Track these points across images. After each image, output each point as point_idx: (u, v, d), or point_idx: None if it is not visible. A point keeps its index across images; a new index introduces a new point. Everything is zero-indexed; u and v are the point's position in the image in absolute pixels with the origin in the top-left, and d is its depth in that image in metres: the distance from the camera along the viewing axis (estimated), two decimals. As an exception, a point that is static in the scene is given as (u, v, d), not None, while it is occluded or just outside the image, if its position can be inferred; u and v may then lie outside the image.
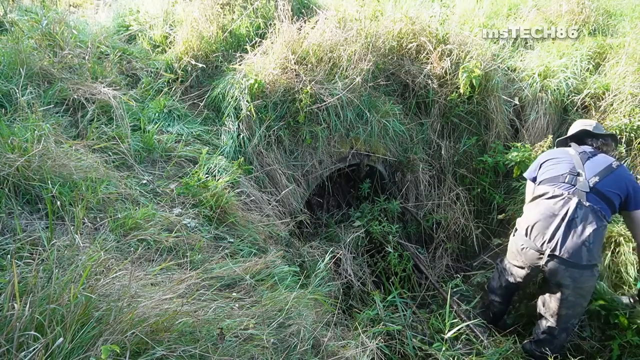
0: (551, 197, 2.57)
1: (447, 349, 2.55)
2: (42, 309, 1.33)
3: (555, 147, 3.02)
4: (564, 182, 2.59)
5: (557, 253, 2.43)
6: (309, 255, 3.10)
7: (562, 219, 2.47)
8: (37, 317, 1.31)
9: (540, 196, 2.64)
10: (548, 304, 2.65)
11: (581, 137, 2.88)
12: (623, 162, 3.79)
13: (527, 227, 2.60)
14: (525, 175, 2.94)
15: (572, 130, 2.96)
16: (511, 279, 2.81)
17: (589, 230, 2.41)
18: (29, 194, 1.99)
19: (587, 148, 2.77)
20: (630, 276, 2.95)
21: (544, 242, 2.49)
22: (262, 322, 1.83)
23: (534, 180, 2.82)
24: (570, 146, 2.85)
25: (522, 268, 2.70)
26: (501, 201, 4.09)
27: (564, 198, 2.52)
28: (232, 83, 3.40)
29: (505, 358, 2.74)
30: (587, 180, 2.53)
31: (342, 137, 3.74)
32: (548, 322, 2.67)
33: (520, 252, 2.65)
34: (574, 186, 2.54)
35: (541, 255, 2.51)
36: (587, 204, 2.46)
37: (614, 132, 3.13)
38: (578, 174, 2.59)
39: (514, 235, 2.75)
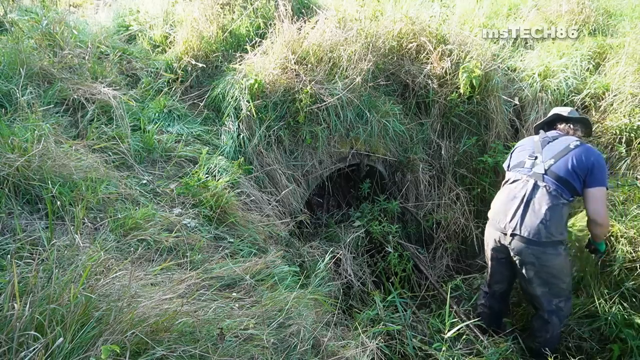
0: (512, 181, 2.77)
1: (447, 349, 2.54)
2: (42, 309, 1.33)
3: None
4: (523, 167, 2.76)
5: (517, 232, 2.61)
6: (309, 255, 3.10)
7: (521, 200, 2.64)
8: (37, 317, 1.31)
9: (505, 182, 2.86)
10: (526, 290, 2.80)
11: (553, 122, 2.99)
12: (622, 162, 3.79)
13: (493, 212, 2.83)
14: (503, 166, 3.08)
15: (547, 117, 3.07)
16: (490, 269, 2.97)
17: (544, 208, 2.55)
18: (29, 194, 1.99)
19: (553, 133, 2.89)
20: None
21: (506, 222, 2.68)
22: (262, 322, 1.83)
23: (508, 168, 2.96)
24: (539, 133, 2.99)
25: (494, 250, 2.86)
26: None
27: (522, 181, 2.70)
28: (232, 83, 3.40)
29: (504, 358, 2.74)
30: (543, 163, 2.67)
31: (342, 137, 3.74)
32: (536, 311, 2.80)
33: (489, 237, 2.87)
34: (532, 169, 2.70)
35: (504, 234, 2.69)
36: (543, 184, 2.61)
37: (587, 117, 3.16)
38: (536, 158, 2.74)
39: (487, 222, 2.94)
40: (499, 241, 2.77)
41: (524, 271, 2.69)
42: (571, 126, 2.88)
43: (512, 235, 2.64)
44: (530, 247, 2.59)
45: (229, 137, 3.27)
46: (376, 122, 3.81)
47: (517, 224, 2.62)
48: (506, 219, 2.68)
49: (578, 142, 2.68)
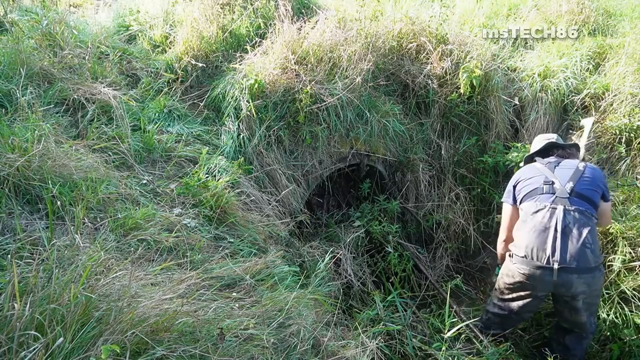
0: (536, 211, 2.56)
1: (446, 348, 2.55)
2: (42, 309, 1.33)
3: (523, 165, 3.03)
4: (542, 194, 2.59)
5: (565, 265, 2.39)
6: (309, 255, 3.10)
7: (556, 229, 2.45)
8: (37, 317, 1.31)
9: (526, 214, 2.62)
10: (570, 319, 2.62)
11: (547, 150, 2.93)
12: (622, 162, 3.79)
13: (526, 248, 2.53)
14: (502, 200, 2.91)
15: (536, 146, 3.00)
16: (521, 302, 2.68)
17: (585, 232, 2.42)
18: (29, 194, 2.00)
19: (551, 159, 2.82)
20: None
21: (548, 257, 2.43)
22: (262, 322, 1.83)
23: (514, 202, 2.79)
24: (535, 161, 2.89)
25: (525, 296, 2.63)
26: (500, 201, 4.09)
27: (549, 209, 2.52)
28: (232, 83, 3.40)
29: (504, 358, 2.74)
30: (563, 187, 2.57)
31: (342, 137, 3.74)
32: (576, 335, 2.68)
33: (524, 277, 2.55)
34: (554, 194, 2.56)
35: (550, 272, 2.43)
36: (573, 207, 2.49)
37: (577, 143, 3.20)
38: (552, 183, 2.61)
39: (511, 260, 2.65)
40: (542, 279, 2.46)
41: (573, 303, 2.50)
42: (567, 151, 2.89)
43: (560, 269, 2.40)
44: (583, 277, 2.39)
45: (229, 137, 3.27)
46: (376, 122, 3.81)
47: (561, 255, 2.40)
48: (546, 252, 2.43)
49: (583, 163, 2.70)
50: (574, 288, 2.42)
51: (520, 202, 2.71)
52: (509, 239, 2.79)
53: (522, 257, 2.54)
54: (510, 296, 2.72)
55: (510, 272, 2.65)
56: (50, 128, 2.32)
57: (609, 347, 2.83)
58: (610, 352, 2.82)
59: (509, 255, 2.69)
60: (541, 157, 2.91)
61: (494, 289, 2.90)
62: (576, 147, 2.99)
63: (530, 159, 2.99)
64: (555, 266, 2.40)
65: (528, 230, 2.55)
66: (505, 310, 2.78)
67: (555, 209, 2.50)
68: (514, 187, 2.80)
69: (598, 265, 2.45)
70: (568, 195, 2.53)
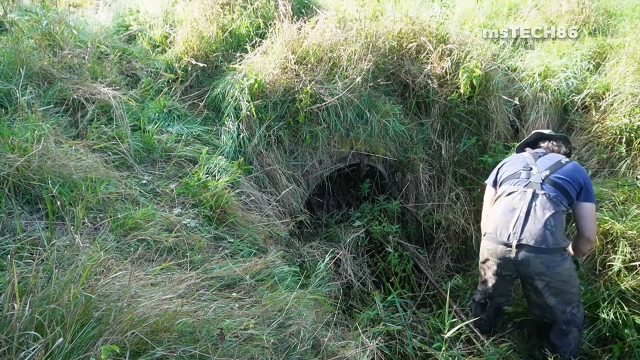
0: (509, 193, 2.71)
1: (446, 348, 2.54)
2: (42, 309, 1.33)
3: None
4: (518, 178, 2.73)
5: (523, 242, 2.53)
6: (309, 255, 3.10)
7: (521, 210, 2.59)
8: (37, 317, 1.31)
9: (500, 195, 2.78)
10: (538, 303, 2.71)
11: (536, 142, 3.05)
12: (623, 162, 3.79)
13: (493, 226, 2.70)
14: (486, 181, 3.04)
15: (528, 137, 3.12)
16: (490, 283, 2.84)
17: (548, 214, 2.52)
18: (29, 194, 1.99)
19: (540, 150, 2.93)
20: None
21: (509, 234, 2.58)
22: (262, 322, 1.83)
23: (494, 184, 2.93)
24: (524, 151, 3.02)
25: (493, 275, 2.78)
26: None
27: (520, 192, 2.65)
28: (232, 83, 3.40)
29: (505, 358, 2.74)
30: (539, 174, 2.68)
31: (342, 137, 3.74)
32: (553, 326, 2.72)
33: (490, 253, 2.73)
34: (529, 179, 2.68)
35: (509, 248, 2.59)
36: (542, 192, 2.59)
37: (567, 136, 3.29)
38: (531, 169, 2.74)
39: (483, 239, 2.81)
40: (503, 256, 2.63)
41: (534, 283, 2.60)
42: (554, 143, 2.96)
43: (518, 246, 2.54)
44: (539, 256, 2.50)
45: (229, 137, 3.27)
46: (376, 122, 3.80)
47: (521, 233, 2.54)
48: (508, 230, 2.59)
49: (568, 159, 2.76)
50: (532, 267, 2.53)
51: (500, 185, 2.85)
52: None
53: (489, 234, 2.72)
54: (483, 278, 2.90)
55: (481, 250, 2.84)
56: (50, 128, 2.32)
57: (609, 348, 2.82)
58: (610, 352, 2.81)
59: (483, 235, 2.84)
60: (531, 147, 3.04)
61: None
62: (564, 139, 3.03)
63: (521, 149, 3.11)
64: (514, 243, 2.55)
65: (498, 210, 2.71)
66: (483, 295, 2.96)
67: (526, 192, 2.62)
68: (498, 170, 2.95)
69: (558, 248, 2.51)
70: (541, 181, 2.63)
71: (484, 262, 2.84)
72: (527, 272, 2.59)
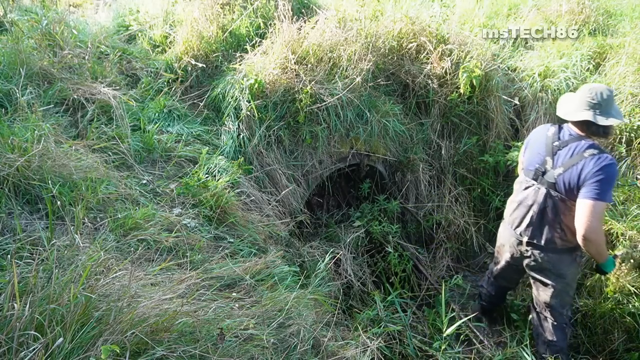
0: (525, 187, 2.73)
1: (446, 348, 2.54)
2: (42, 309, 1.33)
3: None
4: (534, 171, 2.69)
5: (534, 241, 2.64)
6: (309, 255, 3.10)
7: (535, 209, 2.63)
8: (37, 317, 1.31)
9: (519, 186, 2.82)
10: (537, 298, 2.80)
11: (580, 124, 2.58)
12: (622, 162, 3.78)
13: (510, 216, 2.81)
14: (519, 159, 2.93)
15: (575, 112, 2.55)
16: (499, 265, 3.00)
17: (560, 216, 2.54)
18: (29, 194, 1.99)
19: (566, 132, 2.59)
20: None
21: (522, 230, 2.69)
22: (262, 322, 1.83)
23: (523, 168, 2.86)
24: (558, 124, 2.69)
25: (501, 259, 2.95)
26: (500, 204, 4.09)
27: (534, 188, 2.66)
28: (232, 83, 3.40)
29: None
30: (553, 170, 2.58)
31: (342, 137, 3.74)
32: (544, 320, 2.78)
33: (504, 240, 2.88)
34: (543, 176, 2.63)
35: (521, 243, 2.72)
36: (555, 193, 2.56)
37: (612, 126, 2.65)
38: (546, 164, 2.64)
39: (502, 222, 2.97)
40: (514, 247, 2.78)
41: (540, 277, 2.71)
42: (597, 130, 2.50)
43: (529, 243, 2.67)
44: (548, 255, 2.62)
45: (229, 137, 3.27)
46: (376, 122, 3.80)
47: (532, 232, 2.64)
48: (521, 226, 2.69)
49: (595, 152, 2.41)
50: (540, 262, 2.66)
51: (522, 171, 2.84)
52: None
53: (506, 222, 2.87)
54: (497, 259, 3.06)
55: (499, 233, 3.01)
56: (50, 128, 2.32)
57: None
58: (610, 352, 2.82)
59: (504, 218, 2.95)
60: (571, 115, 2.57)
61: None
62: (604, 128, 2.50)
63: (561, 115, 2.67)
64: (525, 239, 2.68)
65: (516, 201, 2.78)
66: (490, 272, 3.16)
67: (539, 190, 2.62)
68: (526, 146, 2.82)
69: (567, 248, 2.58)
70: (554, 181, 2.55)
71: (497, 247, 3.01)
72: (534, 266, 2.69)
